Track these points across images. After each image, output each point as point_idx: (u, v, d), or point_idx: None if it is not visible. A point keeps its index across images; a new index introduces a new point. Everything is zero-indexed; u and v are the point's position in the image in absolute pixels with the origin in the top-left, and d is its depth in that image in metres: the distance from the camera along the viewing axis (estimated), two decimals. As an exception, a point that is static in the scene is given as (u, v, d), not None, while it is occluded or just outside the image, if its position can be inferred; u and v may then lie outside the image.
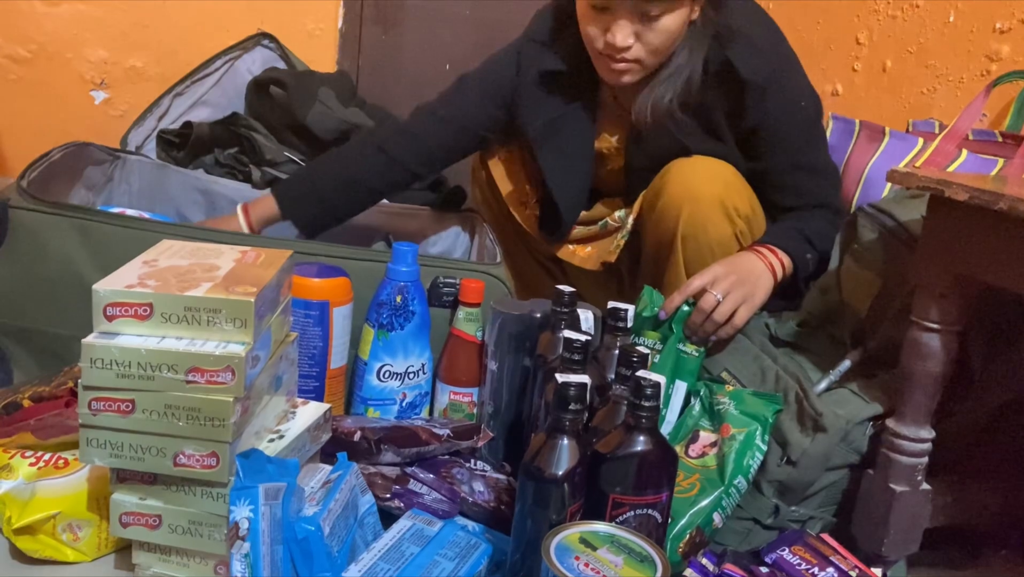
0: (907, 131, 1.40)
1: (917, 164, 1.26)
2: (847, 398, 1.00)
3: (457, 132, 1.29)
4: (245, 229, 1.25)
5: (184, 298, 0.74)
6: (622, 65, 1.14)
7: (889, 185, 1.16)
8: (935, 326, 0.86)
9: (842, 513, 0.99)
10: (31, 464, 0.87)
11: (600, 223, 1.31)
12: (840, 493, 0.99)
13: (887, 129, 1.32)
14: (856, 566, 0.87)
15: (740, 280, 1.09)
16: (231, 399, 0.73)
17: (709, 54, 1.15)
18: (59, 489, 0.85)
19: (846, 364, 1.04)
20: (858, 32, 1.73)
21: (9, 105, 1.71)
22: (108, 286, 0.74)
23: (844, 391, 1.01)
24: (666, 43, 1.13)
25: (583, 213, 1.34)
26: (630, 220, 1.25)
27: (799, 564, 0.86)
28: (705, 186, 1.15)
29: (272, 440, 0.83)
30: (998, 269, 0.81)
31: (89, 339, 0.73)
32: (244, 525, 0.73)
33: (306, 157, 1.52)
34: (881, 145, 1.30)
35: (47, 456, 0.88)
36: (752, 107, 1.16)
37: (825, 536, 0.91)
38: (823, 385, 1.03)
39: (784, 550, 0.87)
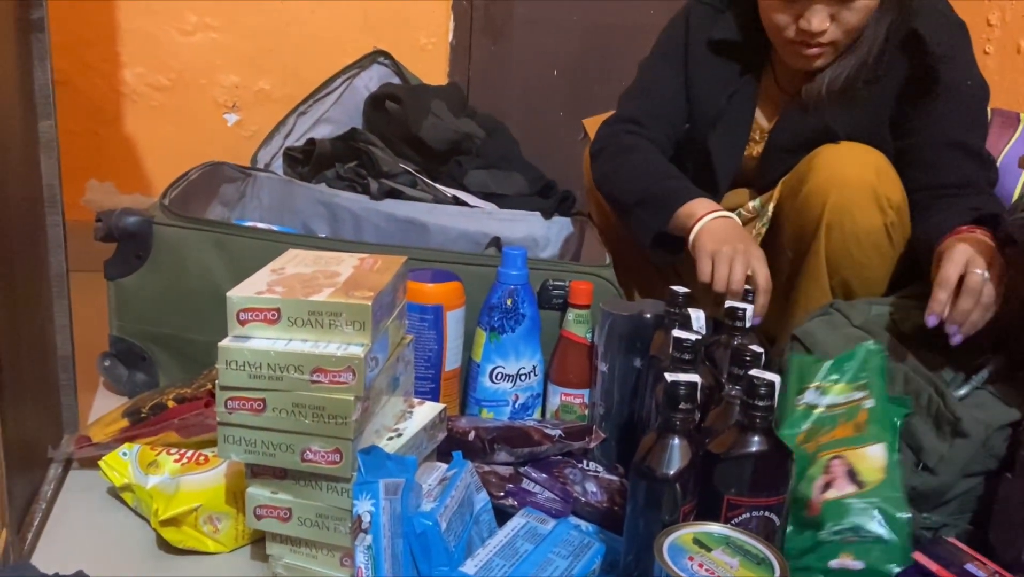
0: (1046, 115, 1.31)
1: (1056, 150, 1.17)
2: (987, 401, 0.95)
3: (663, 114, 1.27)
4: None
5: (308, 303, 0.79)
6: (815, 50, 1.12)
7: (1024, 174, 1.09)
8: (1078, 321, 0.80)
9: (978, 520, 0.93)
10: (175, 460, 0.94)
11: (734, 213, 1.27)
12: (976, 500, 0.94)
13: (1022, 115, 1.24)
14: (996, 572, 0.82)
15: (986, 258, 0.94)
16: (352, 398, 0.77)
17: (892, 24, 1.11)
18: (200, 484, 0.91)
19: (988, 369, 0.98)
20: (989, 13, 1.63)
21: (152, 129, 1.85)
22: (240, 293, 0.80)
23: (983, 393, 0.96)
24: (864, 21, 1.10)
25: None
26: (770, 207, 1.20)
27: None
28: (855, 172, 1.09)
29: (391, 438, 0.87)
30: None
31: (224, 342, 0.79)
32: (366, 518, 0.76)
33: (420, 168, 1.57)
34: (1016, 132, 1.22)
35: (189, 453, 0.95)
36: (927, 78, 1.11)
37: (956, 542, 0.87)
38: (964, 391, 0.97)
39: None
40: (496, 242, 1.37)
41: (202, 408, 0.98)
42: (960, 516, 0.94)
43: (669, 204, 1.14)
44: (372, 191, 1.49)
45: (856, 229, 1.09)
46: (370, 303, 0.78)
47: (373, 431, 0.85)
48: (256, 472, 0.83)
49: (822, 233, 1.11)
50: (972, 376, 0.97)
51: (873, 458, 0.86)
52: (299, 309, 0.79)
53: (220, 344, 0.79)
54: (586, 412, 1.15)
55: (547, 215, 1.48)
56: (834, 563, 0.81)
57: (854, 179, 1.08)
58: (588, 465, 1.02)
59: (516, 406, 1.14)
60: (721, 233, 1.08)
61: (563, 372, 1.15)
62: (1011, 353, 0.97)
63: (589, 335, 1.14)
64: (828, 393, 0.95)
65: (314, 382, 0.77)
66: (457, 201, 1.52)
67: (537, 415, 1.17)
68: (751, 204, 1.26)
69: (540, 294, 1.17)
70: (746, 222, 1.26)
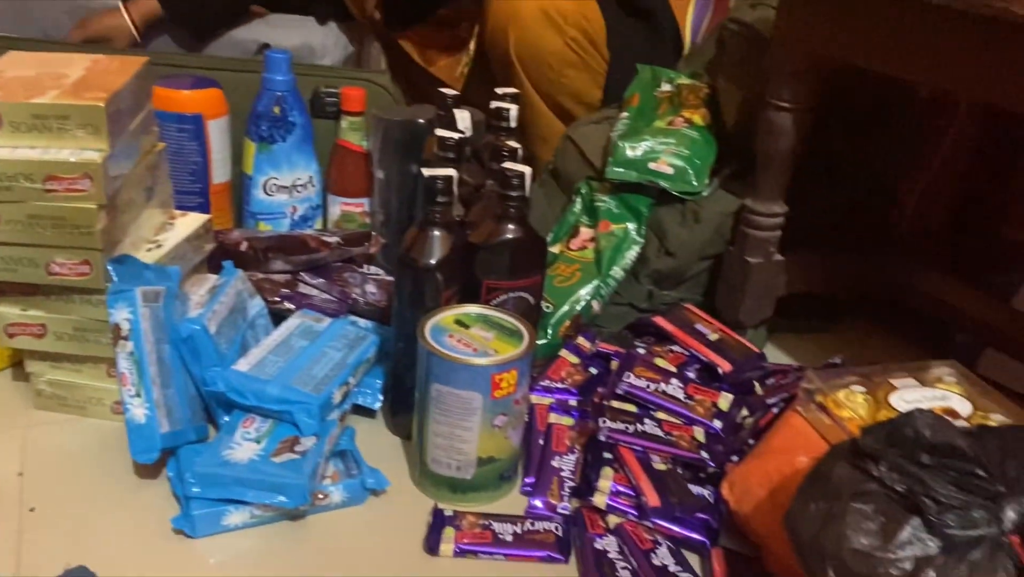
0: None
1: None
2: (722, 196, 1.05)
3: None
4: (128, 23, 1.21)
5: (30, 105, 0.72)
6: None
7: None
8: (787, 105, 0.89)
9: (708, 294, 1.06)
10: (-92, 288, 0.87)
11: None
12: (708, 278, 1.07)
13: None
14: (719, 329, 0.95)
15: None
16: (94, 206, 0.74)
17: None
18: (-58, 310, 0.85)
19: (726, 171, 1.08)
20: None
21: None
22: (-52, 96, 0.72)
23: (720, 192, 1.06)
24: None
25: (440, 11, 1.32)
26: (471, 44, 1.25)
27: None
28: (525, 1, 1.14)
29: (150, 249, 0.84)
30: (861, 47, 0.81)
31: (-63, 152, 0.72)
32: (125, 326, 0.75)
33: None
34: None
35: (-76, 279, 0.88)
36: None
37: (691, 307, 0.99)
38: (708, 191, 1.07)
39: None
40: (263, 48, 1.29)
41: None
42: (695, 292, 1.07)
43: None
44: (123, -7, 1.33)
45: (545, 56, 1.17)
46: (103, 104, 0.73)
47: (129, 243, 0.82)
48: (1, 290, 0.79)
49: (519, 69, 1.18)
50: (714, 178, 1.08)
51: None
52: (21, 112, 0.72)
53: (-68, 154, 0.71)
54: (367, 220, 1.16)
55: (322, 20, 1.41)
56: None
57: (527, 9, 1.14)
58: (368, 269, 1.05)
59: (295, 218, 1.13)
60: None
61: (341, 181, 1.14)
62: (741, 158, 1.07)
63: (365, 143, 1.14)
64: None
65: (49, 191, 0.73)
66: (222, 5, 1.40)
67: (318, 226, 1.17)
68: (472, 43, 1.28)
69: (312, 102, 1.14)
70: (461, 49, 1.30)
